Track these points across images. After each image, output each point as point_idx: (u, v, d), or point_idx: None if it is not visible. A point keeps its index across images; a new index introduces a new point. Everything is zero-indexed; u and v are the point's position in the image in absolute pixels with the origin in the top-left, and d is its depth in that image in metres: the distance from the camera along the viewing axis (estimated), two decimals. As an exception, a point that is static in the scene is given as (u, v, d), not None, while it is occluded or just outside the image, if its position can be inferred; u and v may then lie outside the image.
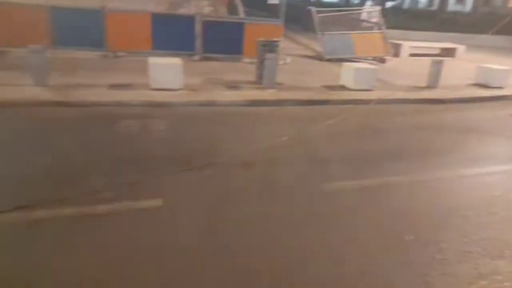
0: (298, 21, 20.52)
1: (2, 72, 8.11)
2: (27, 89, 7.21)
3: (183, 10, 11.85)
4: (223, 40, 11.45)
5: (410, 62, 14.38)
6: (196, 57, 11.39)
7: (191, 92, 8.18)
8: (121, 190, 4.23)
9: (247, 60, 11.67)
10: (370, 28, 14.57)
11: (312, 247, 3.60)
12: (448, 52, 16.01)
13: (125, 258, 3.24)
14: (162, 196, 4.19)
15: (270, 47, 9.10)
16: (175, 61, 8.36)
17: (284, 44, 11.62)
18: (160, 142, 5.80)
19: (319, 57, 13.53)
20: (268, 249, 3.55)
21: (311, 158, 5.65)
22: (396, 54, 15.07)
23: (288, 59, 12.44)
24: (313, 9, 13.52)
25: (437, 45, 16.56)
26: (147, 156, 5.22)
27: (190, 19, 11.25)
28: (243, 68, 10.95)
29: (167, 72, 8.12)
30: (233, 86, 8.99)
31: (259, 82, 9.20)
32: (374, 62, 13.41)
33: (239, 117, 7.34)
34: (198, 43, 11.34)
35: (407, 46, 15.67)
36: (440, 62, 10.36)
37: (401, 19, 21.85)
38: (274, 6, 13.74)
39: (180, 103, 7.58)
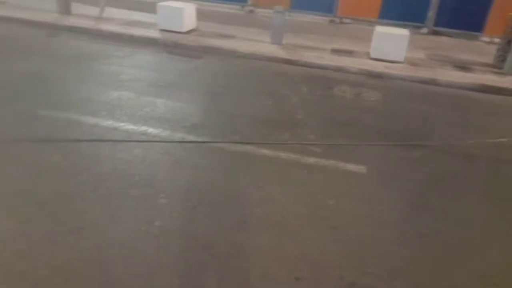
0: None
1: (248, 28, 9.57)
2: (264, 45, 8.30)
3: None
4: (462, 13, 10.09)
5: None
6: (424, 30, 10.49)
7: (412, 66, 7.71)
8: (328, 149, 4.54)
9: (486, 38, 9.99)
10: None
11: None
12: None
13: (330, 209, 3.53)
14: (366, 164, 4.28)
15: (525, 25, 7.48)
16: (402, 32, 7.95)
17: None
18: (371, 112, 5.80)
19: None
20: (481, 253, 3.21)
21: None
22: None
23: (545, 43, 9.97)
24: None
25: None
26: (356, 123, 5.34)
27: (428, -13, 10.31)
28: (479, 48, 9.48)
29: (391, 43, 7.84)
30: (462, 66, 7.95)
31: (498, 66, 7.82)
32: None
33: (464, 102, 6.52)
34: (431, 14, 10.36)
35: None
36: None
37: None
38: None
39: (399, 76, 7.27)
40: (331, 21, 11.10)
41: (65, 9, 9.30)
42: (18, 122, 4.53)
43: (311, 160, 4.30)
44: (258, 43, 8.42)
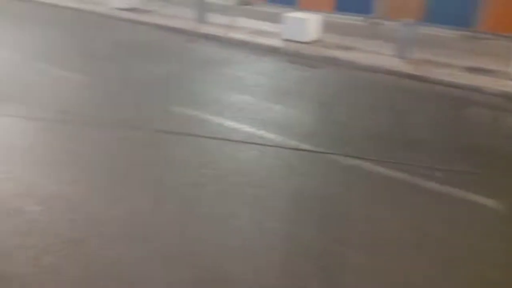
0: None
1: (371, 40, 9.31)
2: (387, 59, 7.98)
3: None
4: None
5: None
6: None
7: None
8: (453, 175, 4.14)
9: None
10: None
11: None
12: None
13: (445, 241, 3.25)
14: (499, 198, 3.79)
15: None
16: (558, 51, 6.82)
17: None
18: (509, 139, 5.11)
19: None
20: None
21: None
22: None
23: None
24: None
25: None
26: (490, 150, 4.76)
27: None
28: None
29: (542, 63, 6.80)
30: None
31: None
32: None
33: None
34: None
35: None
36: None
37: None
38: None
39: (549, 102, 6.26)
40: (466, 37, 10.10)
41: (202, 18, 10.34)
42: (154, 115, 5.21)
43: (431, 185, 3.98)
44: (380, 56, 8.13)
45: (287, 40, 8.98)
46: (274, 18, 10.46)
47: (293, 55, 8.31)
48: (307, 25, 8.78)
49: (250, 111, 5.47)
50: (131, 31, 9.83)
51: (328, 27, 9.76)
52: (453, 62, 7.91)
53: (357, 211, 3.55)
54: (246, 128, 4.95)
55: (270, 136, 4.79)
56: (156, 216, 3.33)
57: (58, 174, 3.83)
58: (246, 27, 10.13)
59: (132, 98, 5.72)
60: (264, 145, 4.57)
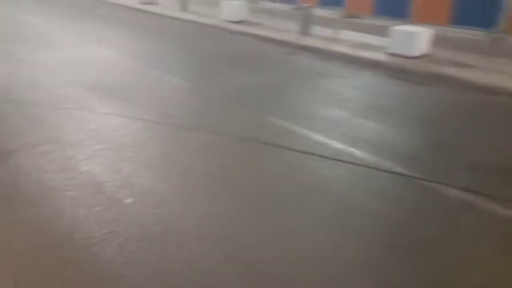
0: None
1: (492, 58, 8.23)
2: (511, 79, 6.94)
3: None
4: None
5: None
6: None
7: None
8: None
9: None
10: None
11: None
12: None
13: None
14: None
15: None
16: None
17: None
18: None
19: None
20: None
21: None
22: None
23: None
24: None
25: None
26: None
27: None
28: None
29: None
30: None
31: None
32: None
33: None
34: None
35: None
36: None
37: None
38: None
39: None
40: None
41: (306, 31, 10.36)
42: (246, 123, 5.31)
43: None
44: (503, 76, 7.13)
45: (392, 54, 8.46)
46: (380, 31, 9.97)
47: (397, 71, 7.78)
48: (415, 38, 8.16)
49: (342, 127, 5.23)
50: (237, 42, 10.33)
51: (441, 41, 8.94)
52: None
53: (462, 257, 3.06)
54: (336, 144, 4.74)
55: (360, 154, 4.50)
56: (228, 222, 3.35)
57: (153, 170, 4.13)
58: (349, 40, 9.85)
59: (228, 106, 5.96)
60: (352, 163, 4.30)
